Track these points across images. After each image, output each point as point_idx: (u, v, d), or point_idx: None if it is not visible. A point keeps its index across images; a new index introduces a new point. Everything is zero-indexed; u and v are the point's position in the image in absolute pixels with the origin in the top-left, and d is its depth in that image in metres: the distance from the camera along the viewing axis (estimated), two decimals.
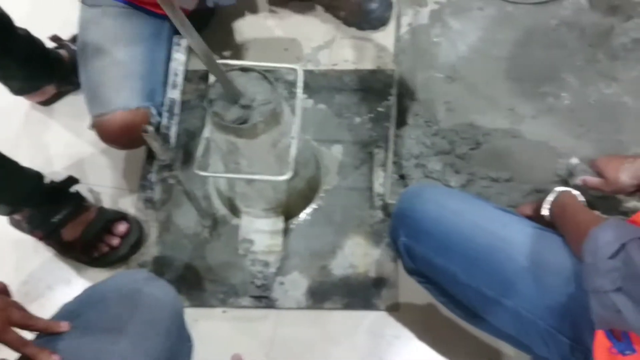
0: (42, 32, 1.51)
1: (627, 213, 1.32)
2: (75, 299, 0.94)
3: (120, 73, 1.29)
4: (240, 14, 1.68)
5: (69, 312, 0.91)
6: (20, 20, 1.39)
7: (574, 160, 1.27)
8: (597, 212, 1.03)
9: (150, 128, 0.96)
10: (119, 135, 1.27)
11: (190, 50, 1.23)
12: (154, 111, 1.27)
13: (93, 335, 0.86)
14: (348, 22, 1.64)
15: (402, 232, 1.03)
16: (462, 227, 0.96)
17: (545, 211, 1.01)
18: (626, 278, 0.70)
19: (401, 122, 1.44)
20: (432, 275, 1.03)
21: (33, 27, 1.46)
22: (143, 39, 1.32)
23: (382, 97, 1.52)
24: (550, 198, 1.01)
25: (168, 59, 1.36)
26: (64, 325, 0.87)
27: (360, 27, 1.63)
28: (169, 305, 0.94)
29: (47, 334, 0.86)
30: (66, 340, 0.86)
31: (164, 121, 1.14)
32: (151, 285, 0.94)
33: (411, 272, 1.08)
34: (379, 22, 1.62)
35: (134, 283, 0.93)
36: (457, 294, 1.00)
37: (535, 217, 1.05)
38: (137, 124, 1.24)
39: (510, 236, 0.93)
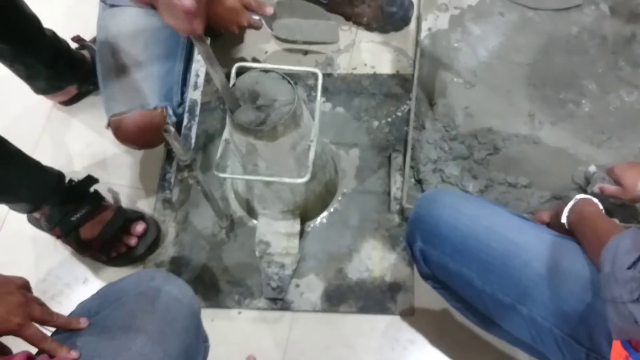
0: (66, 32, 1.53)
1: None
2: (93, 296, 0.95)
3: (139, 73, 1.30)
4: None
5: (87, 309, 0.92)
6: (46, 21, 1.40)
7: (592, 168, 1.26)
8: (616, 220, 1.02)
9: (172, 128, 0.97)
10: (137, 136, 1.28)
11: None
12: (170, 111, 1.29)
13: (111, 332, 0.87)
14: (371, 28, 1.64)
15: (418, 237, 1.03)
16: (477, 232, 0.95)
17: (564, 218, 1.00)
18: None
19: (419, 126, 1.43)
20: (447, 281, 1.03)
21: (58, 27, 1.48)
22: (161, 39, 1.33)
23: (401, 101, 1.52)
24: (570, 205, 1.01)
25: (185, 58, 1.37)
26: (83, 322, 0.88)
27: (384, 30, 1.63)
28: (187, 304, 0.95)
29: (66, 330, 0.87)
30: (84, 336, 0.86)
31: (185, 122, 1.15)
32: (169, 284, 0.94)
33: (426, 277, 1.08)
34: (402, 23, 1.62)
35: (151, 281, 0.94)
36: (472, 300, 1.00)
37: (553, 224, 1.04)
38: (154, 124, 1.26)
39: (527, 242, 0.92)
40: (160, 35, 1.33)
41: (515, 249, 0.92)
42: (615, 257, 0.74)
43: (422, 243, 1.02)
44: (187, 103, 1.16)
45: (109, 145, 1.54)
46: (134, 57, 1.30)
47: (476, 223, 0.96)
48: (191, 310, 0.95)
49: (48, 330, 0.87)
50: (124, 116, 1.27)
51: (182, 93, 1.33)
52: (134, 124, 1.26)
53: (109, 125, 1.30)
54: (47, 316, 0.86)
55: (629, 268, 0.71)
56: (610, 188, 1.18)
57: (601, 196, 1.20)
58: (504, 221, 0.97)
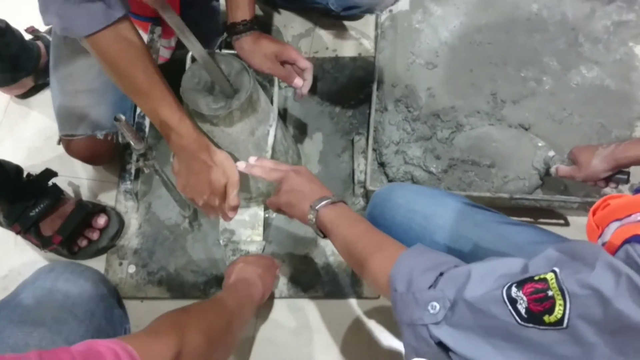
0: (20, 23, 1.49)
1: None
2: None
3: (92, 99, 1.29)
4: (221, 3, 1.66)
5: None
6: None
7: (551, 153, 1.27)
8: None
9: (122, 117, 0.95)
10: (86, 157, 1.34)
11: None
12: (120, 138, 1.31)
13: (6, 331, 0.86)
14: (327, 14, 1.61)
15: None
16: (432, 232, 0.93)
17: (313, 215, 0.94)
18: (451, 308, 0.65)
19: (382, 108, 1.42)
20: None
21: (11, 18, 1.44)
22: None
23: (363, 84, 1.51)
24: (323, 203, 0.93)
25: None
26: None
27: (340, 17, 1.60)
28: (90, 288, 0.97)
29: None
30: None
31: (139, 110, 1.13)
32: (69, 272, 0.98)
33: None
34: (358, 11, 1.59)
35: (50, 272, 0.98)
36: None
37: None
38: (104, 149, 1.32)
39: (482, 238, 0.90)
40: None
41: (472, 247, 0.90)
42: (411, 277, 0.70)
43: None
44: None
45: None
46: (88, 83, 1.28)
47: (431, 222, 0.94)
48: (96, 293, 0.97)
49: None
50: (75, 138, 1.29)
51: (134, 118, 1.33)
52: (84, 147, 1.31)
53: (60, 141, 1.32)
54: None
55: (430, 287, 0.68)
56: (566, 168, 1.20)
57: (558, 177, 1.23)
58: (459, 217, 0.94)
